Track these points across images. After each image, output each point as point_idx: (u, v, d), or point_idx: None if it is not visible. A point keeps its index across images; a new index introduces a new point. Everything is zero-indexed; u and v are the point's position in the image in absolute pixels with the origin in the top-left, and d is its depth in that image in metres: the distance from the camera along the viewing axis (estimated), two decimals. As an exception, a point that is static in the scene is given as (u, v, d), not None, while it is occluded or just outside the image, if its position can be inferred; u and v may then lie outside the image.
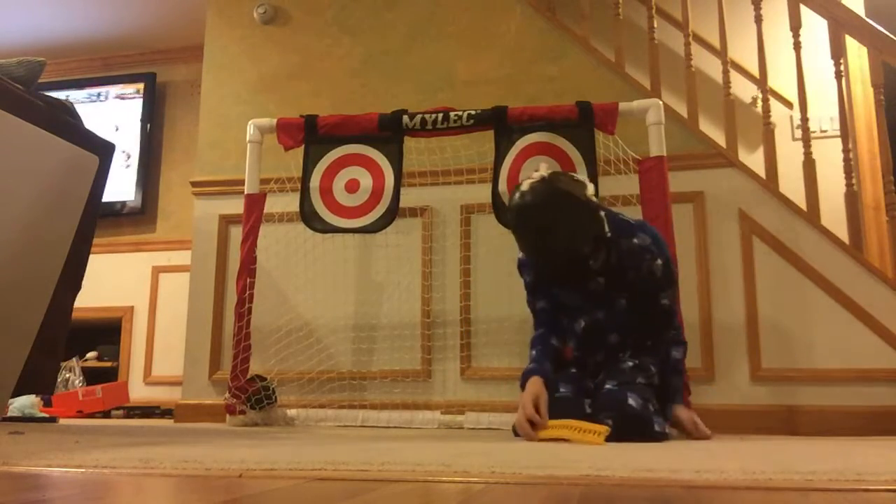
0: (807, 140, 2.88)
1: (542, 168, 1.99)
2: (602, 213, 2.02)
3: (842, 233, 2.82)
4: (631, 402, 1.89)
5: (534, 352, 2.10)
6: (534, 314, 2.20)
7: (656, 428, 1.90)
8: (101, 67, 4.94)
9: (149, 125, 4.72)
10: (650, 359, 2.08)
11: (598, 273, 2.05)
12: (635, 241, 2.02)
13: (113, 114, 4.76)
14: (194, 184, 3.39)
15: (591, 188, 2.00)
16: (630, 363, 2.05)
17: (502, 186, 2.65)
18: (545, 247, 1.96)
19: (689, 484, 0.93)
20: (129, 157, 4.69)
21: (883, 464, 1.17)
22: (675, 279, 2.12)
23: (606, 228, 2.01)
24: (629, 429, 1.84)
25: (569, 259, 1.99)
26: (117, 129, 4.68)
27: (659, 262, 2.02)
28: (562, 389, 2.00)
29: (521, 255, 2.17)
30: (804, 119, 2.91)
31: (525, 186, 1.94)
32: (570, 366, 2.14)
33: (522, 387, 2.02)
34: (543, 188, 1.92)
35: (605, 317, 2.09)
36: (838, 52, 2.91)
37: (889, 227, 2.76)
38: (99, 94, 4.83)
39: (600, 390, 1.99)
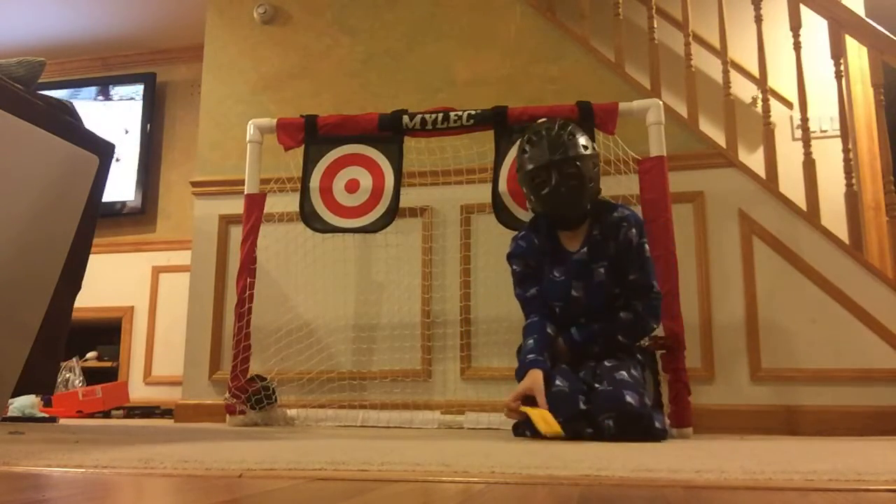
0: (807, 140, 2.88)
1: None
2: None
3: (842, 233, 2.82)
4: (629, 399, 1.90)
5: (530, 341, 2.13)
6: (525, 303, 2.25)
7: (657, 425, 1.91)
8: (101, 67, 4.94)
9: (149, 125, 4.72)
10: (632, 359, 2.12)
11: (582, 244, 2.20)
12: (615, 214, 2.19)
13: (112, 114, 4.76)
14: (194, 184, 3.38)
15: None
16: (618, 362, 2.05)
17: (502, 186, 2.65)
18: (561, 149, 2.13)
19: (689, 484, 0.93)
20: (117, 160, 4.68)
21: (883, 464, 1.17)
22: (643, 249, 2.19)
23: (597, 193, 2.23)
24: (630, 427, 1.85)
25: (573, 202, 2.16)
26: (127, 132, 4.68)
27: (634, 231, 2.17)
28: (557, 383, 2.01)
29: (511, 248, 2.29)
30: (804, 119, 2.91)
31: (555, 121, 2.22)
32: (564, 360, 2.15)
33: (519, 378, 2.07)
34: (576, 128, 2.21)
35: (584, 290, 2.17)
36: (838, 52, 2.91)
37: (889, 227, 2.76)
38: (99, 95, 4.84)
39: (594, 391, 1.99)
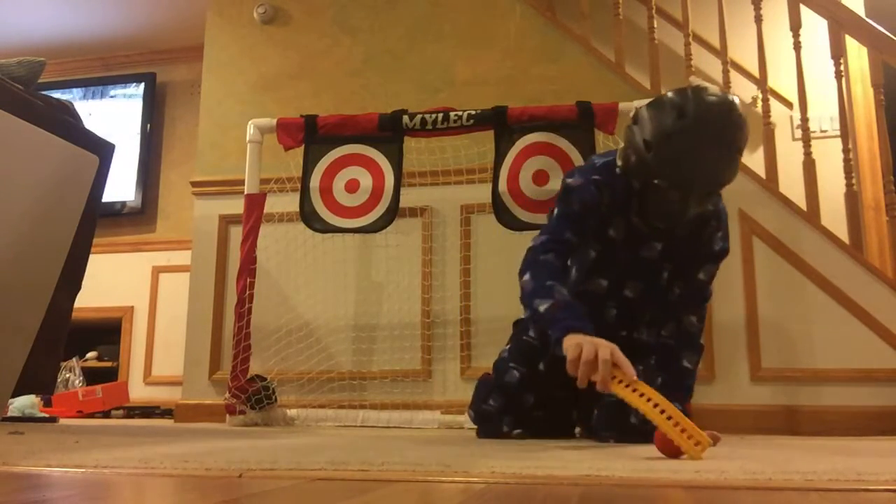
0: (807, 140, 2.88)
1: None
2: None
3: (842, 233, 2.82)
4: (633, 419, 1.75)
5: (560, 295, 1.66)
6: (550, 244, 1.79)
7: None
8: (101, 67, 4.94)
9: (149, 125, 4.72)
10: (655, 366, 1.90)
11: (657, 237, 1.82)
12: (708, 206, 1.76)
13: (112, 114, 4.76)
14: (194, 184, 3.38)
15: None
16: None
17: (502, 186, 2.65)
18: (714, 170, 1.60)
19: (689, 484, 0.93)
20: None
21: (883, 464, 1.17)
22: (723, 257, 1.86)
23: None
24: (632, 440, 1.81)
25: (708, 198, 1.68)
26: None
27: (720, 233, 1.83)
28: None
29: (582, 184, 1.80)
30: (804, 119, 2.91)
31: (718, 92, 1.63)
32: None
33: (558, 335, 1.58)
34: (738, 107, 1.61)
35: (644, 290, 1.87)
36: (838, 52, 2.91)
37: (889, 227, 2.76)
38: (99, 95, 4.84)
39: (597, 401, 1.84)
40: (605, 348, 1.47)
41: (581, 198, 1.80)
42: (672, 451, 1.30)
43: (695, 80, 1.70)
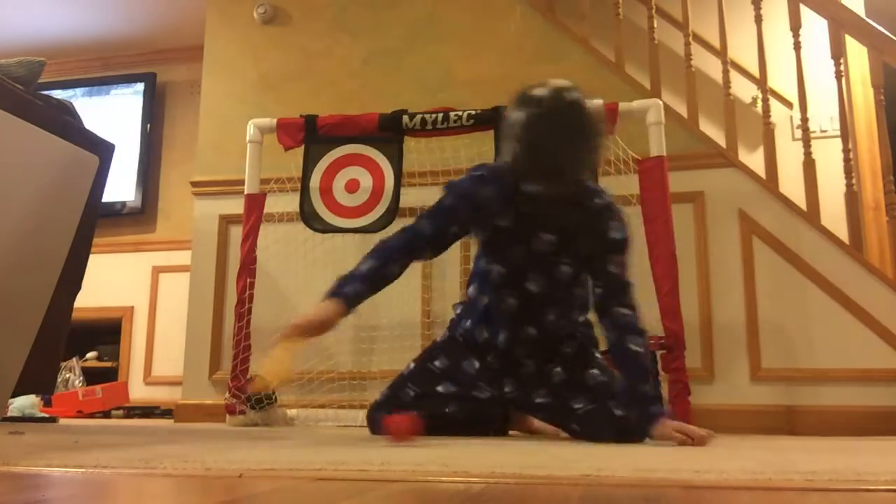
0: (807, 140, 2.88)
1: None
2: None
3: (842, 233, 2.82)
4: (617, 412, 1.82)
5: (364, 267, 1.87)
6: (400, 231, 1.94)
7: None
8: (101, 67, 4.93)
9: (149, 125, 4.72)
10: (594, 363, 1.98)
11: (550, 229, 1.90)
12: (597, 200, 1.91)
13: (112, 114, 4.76)
14: (194, 184, 3.38)
15: None
16: (579, 369, 1.95)
17: (502, 186, 2.65)
18: (569, 145, 1.77)
19: (689, 484, 0.93)
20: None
21: (883, 464, 1.17)
22: (627, 248, 1.91)
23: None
24: (634, 436, 1.81)
25: (571, 175, 1.83)
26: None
27: (615, 222, 1.89)
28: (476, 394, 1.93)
29: (460, 178, 1.99)
30: (804, 119, 2.91)
31: (564, 82, 1.80)
32: (476, 356, 2.03)
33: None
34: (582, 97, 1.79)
35: (544, 286, 1.93)
36: (838, 52, 2.91)
37: (889, 227, 2.76)
38: (99, 95, 4.84)
39: (568, 410, 1.90)
40: (302, 315, 1.78)
41: (453, 192, 1.94)
42: (398, 433, 1.58)
43: (554, 81, 1.84)
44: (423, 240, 1.92)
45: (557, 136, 1.77)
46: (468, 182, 1.93)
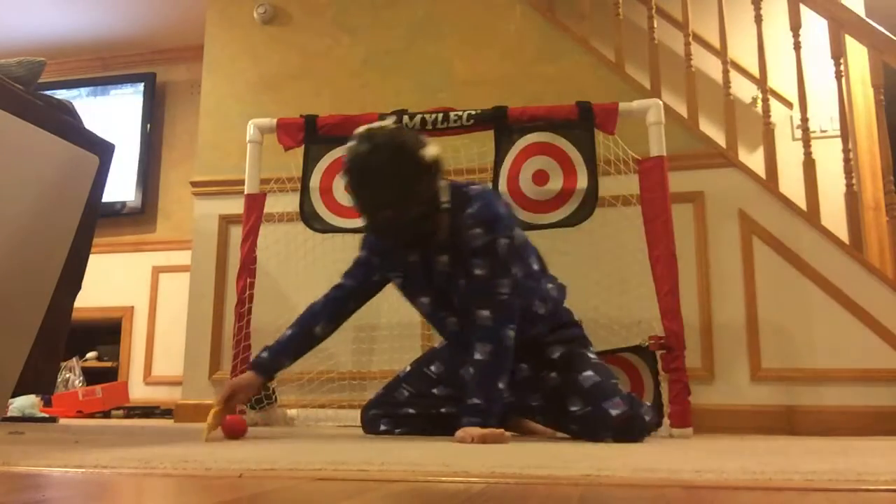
0: (807, 140, 2.88)
1: (389, 119, 1.96)
2: (442, 182, 1.90)
3: (842, 233, 2.82)
4: (613, 412, 1.82)
5: (285, 337, 2.06)
6: (331, 290, 2.14)
7: (646, 418, 1.89)
8: (101, 67, 4.94)
9: (149, 125, 4.72)
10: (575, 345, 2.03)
11: (442, 250, 1.94)
12: (468, 210, 1.90)
13: (112, 114, 4.76)
14: (194, 184, 3.38)
15: (433, 150, 1.86)
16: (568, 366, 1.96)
17: (502, 186, 2.65)
18: (370, 197, 1.84)
19: (689, 484, 0.93)
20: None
21: (883, 464, 1.17)
22: (496, 251, 1.89)
23: (445, 198, 1.90)
24: (632, 436, 1.82)
25: (393, 220, 1.86)
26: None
27: (478, 229, 1.88)
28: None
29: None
30: (804, 119, 2.91)
31: (362, 130, 1.86)
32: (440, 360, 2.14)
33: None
34: (380, 135, 1.83)
35: (446, 299, 2.01)
36: (838, 52, 2.91)
37: (889, 227, 2.76)
38: (99, 95, 4.84)
39: (565, 412, 1.91)
40: (227, 383, 1.99)
41: (365, 246, 2.13)
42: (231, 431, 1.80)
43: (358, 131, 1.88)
44: (344, 298, 2.11)
45: (362, 185, 1.84)
46: (371, 236, 2.09)
